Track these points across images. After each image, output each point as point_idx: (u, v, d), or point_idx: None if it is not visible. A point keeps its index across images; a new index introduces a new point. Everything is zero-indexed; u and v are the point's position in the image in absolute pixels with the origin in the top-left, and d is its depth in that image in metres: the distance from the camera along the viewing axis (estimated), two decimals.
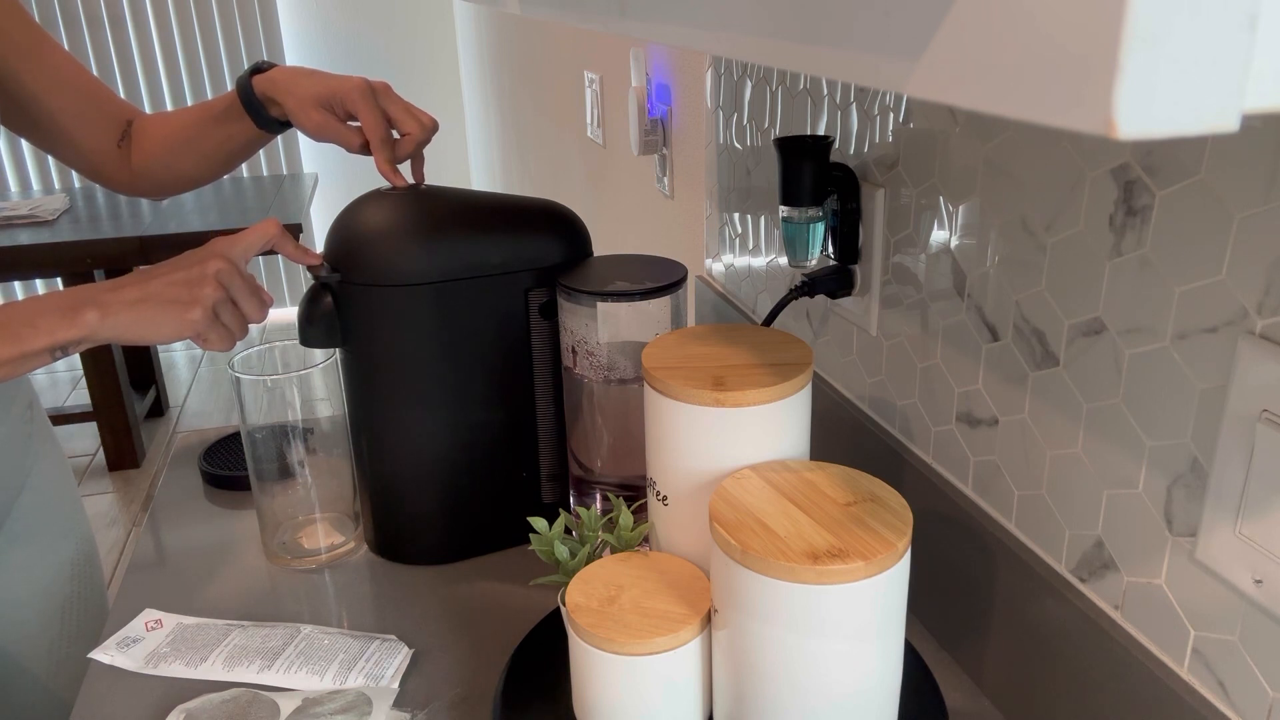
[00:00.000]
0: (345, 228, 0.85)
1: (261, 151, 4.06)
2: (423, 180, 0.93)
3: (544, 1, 0.55)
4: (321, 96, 0.92)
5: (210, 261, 0.79)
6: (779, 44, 0.29)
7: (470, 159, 4.15)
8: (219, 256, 0.79)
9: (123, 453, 3.03)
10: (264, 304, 0.82)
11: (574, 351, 0.85)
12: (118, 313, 0.75)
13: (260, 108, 0.96)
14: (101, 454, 3.13)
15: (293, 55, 4.02)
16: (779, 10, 0.29)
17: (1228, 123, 0.19)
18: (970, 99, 0.21)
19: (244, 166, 4.08)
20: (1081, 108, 0.18)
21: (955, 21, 0.22)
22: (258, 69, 0.97)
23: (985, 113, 0.21)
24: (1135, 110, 0.18)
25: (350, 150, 0.93)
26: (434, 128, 0.93)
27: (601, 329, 0.82)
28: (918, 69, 0.23)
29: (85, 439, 3.23)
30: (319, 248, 0.89)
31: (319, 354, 0.90)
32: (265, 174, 3.93)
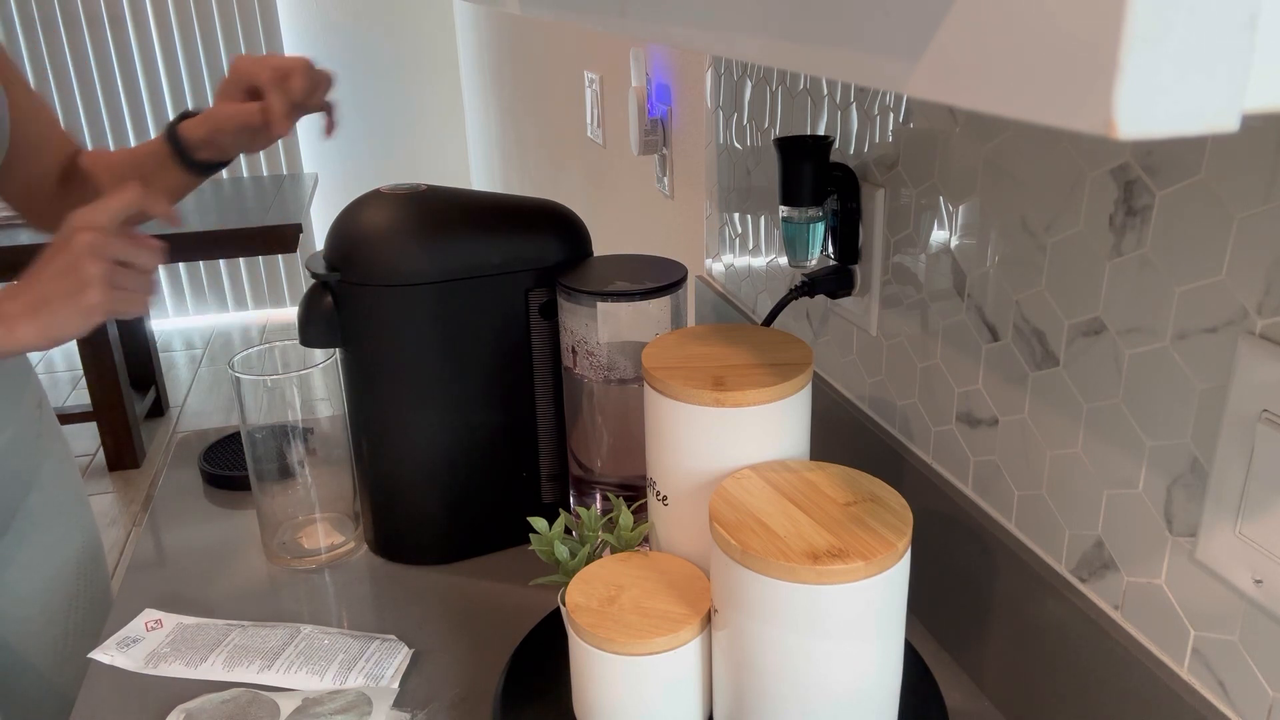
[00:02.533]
0: (345, 228, 0.85)
1: (261, 152, 4.06)
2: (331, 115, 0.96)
3: (544, 1, 0.55)
4: (226, 89, 0.94)
5: (75, 239, 0.76)
6: (779, 44, 0.29)
7: (470, 159, 4.15)
8: (82, 230, 0.76)
9: (123, 453, 3.03)
10: (154, 250, 0.79)
11: (574, 351, 0.85)
12: (21, 324, 0.74)
13: (187, 151, 0.97)
14: (101, 454, 3.13)
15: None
16: (779, 10, 0.29)
17: (1228, 123, 0.19)
18: (970, 99, 0.21)
19: (244, 166, 4.08)
20: (1082, 108, 0.18)
21: (955, 21, 0.22)
22: (184, 116, 0.98)
23: (985, 113, 0.21)
24: (1135, 110, 0.18)
25: (255, 121, 0.93)
26: (306, 65, 0.94)
27: (601, 329, 0.82)
28: (918, 69, 0.23)
29: (85, 439, 3.23)
30: (319, 247, 0.89)
31: (319, 354, 0.90)
32: (265, 174, 3.92)
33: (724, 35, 0.33)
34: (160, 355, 3.77)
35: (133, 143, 3.94)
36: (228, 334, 4.22)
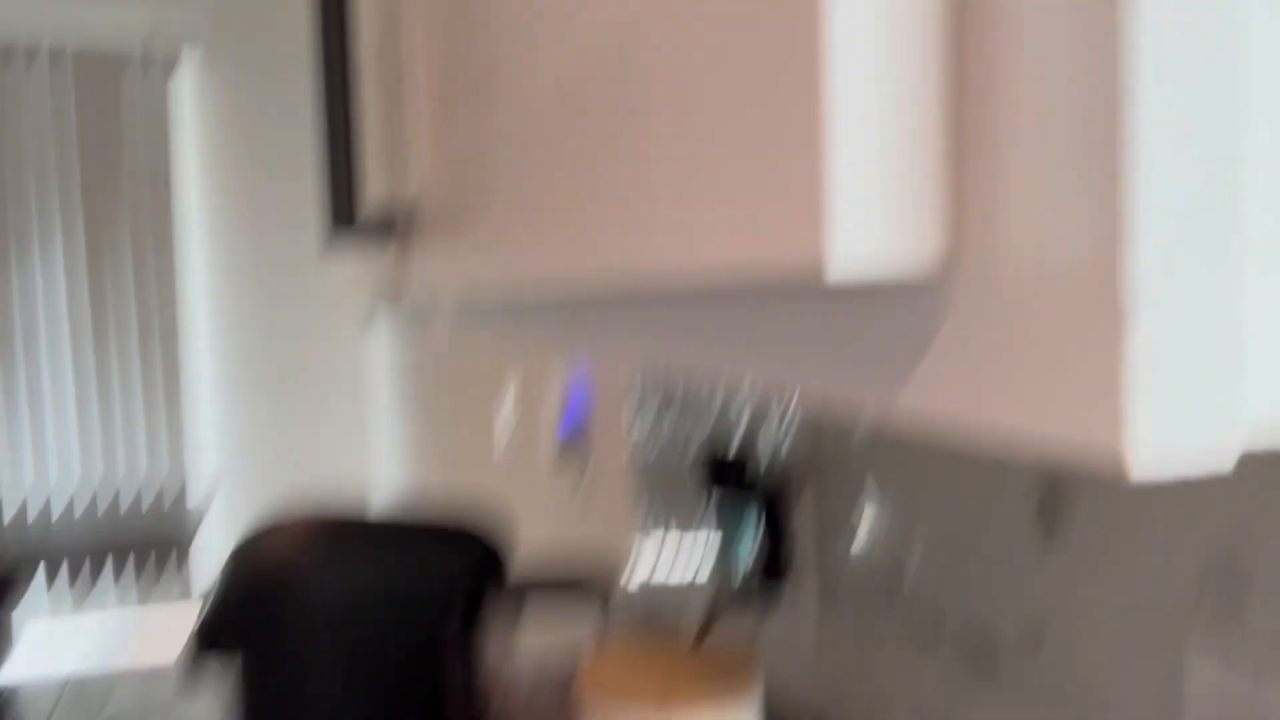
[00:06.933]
0: (244, 561, 0.81)
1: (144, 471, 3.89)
2: None
3: (481, 332, 0.56)
4: None
5: None
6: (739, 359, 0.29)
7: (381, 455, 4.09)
8: None
9: None
10: None
11: (494, 673, 0.79)
12: None
13: None
14: None
15: None
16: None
17: (1223, 465, 0.19)
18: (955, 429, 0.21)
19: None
20: (1095, 451, 0.18)
21: (941, 348, 0.22)
22: None
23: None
24: (1146, 453, 0.18)
25: None
26: None
27: (521, 655, 0.78)
28: (901, 399, 0.23)
29: None
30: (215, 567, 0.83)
31: None
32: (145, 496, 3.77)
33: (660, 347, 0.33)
34: None
35: None
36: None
